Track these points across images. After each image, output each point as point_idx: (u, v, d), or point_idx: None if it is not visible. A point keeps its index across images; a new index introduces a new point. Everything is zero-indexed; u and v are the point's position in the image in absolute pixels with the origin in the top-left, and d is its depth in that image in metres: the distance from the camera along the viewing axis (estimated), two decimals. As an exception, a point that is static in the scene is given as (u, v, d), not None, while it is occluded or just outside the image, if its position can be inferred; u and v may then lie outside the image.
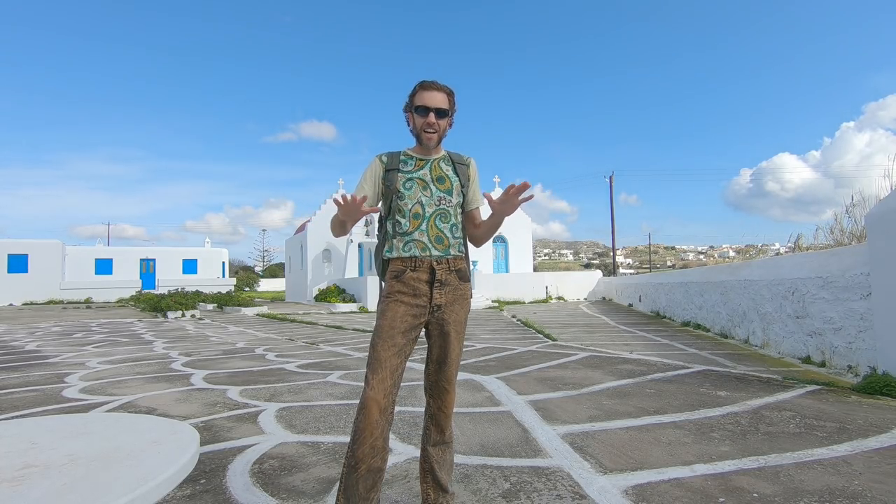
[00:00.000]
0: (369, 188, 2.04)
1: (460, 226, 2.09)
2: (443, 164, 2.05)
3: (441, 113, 1.98)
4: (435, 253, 1.96)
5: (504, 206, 1.89)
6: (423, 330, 2.02)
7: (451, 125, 2.06)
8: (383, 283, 2.03)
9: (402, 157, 2.05)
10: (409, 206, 1.98)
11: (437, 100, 1.97)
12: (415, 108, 1.99)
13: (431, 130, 1.98)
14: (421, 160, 2.04)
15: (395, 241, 2.00)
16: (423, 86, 1.99)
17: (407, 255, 1.96)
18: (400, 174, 2.01)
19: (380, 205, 2.10)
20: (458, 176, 2.05)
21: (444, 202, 2.00)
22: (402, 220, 1.99)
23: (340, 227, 1.97)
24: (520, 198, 1.86)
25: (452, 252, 2.00)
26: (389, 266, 2.00)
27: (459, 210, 2.08)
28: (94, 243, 36.94)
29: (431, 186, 2.00)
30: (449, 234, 2.01)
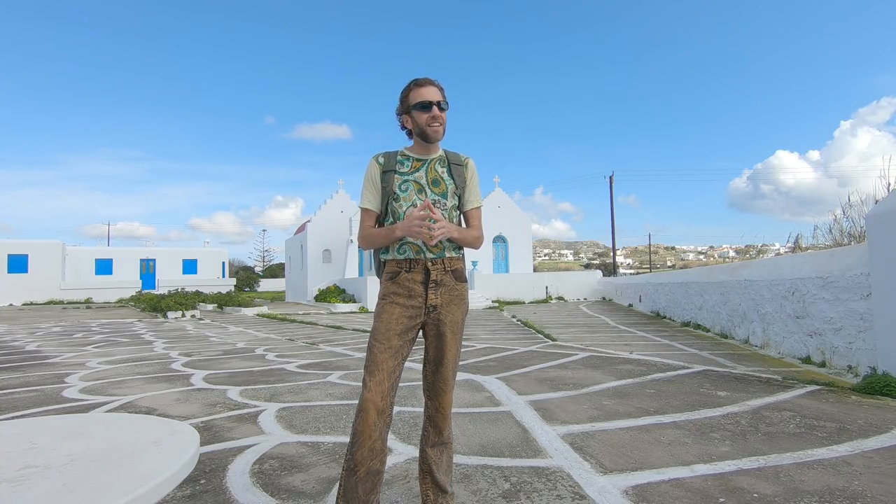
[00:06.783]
0: (374, 193, 2.03)
1: None
2: (438, 166, 2.04)
3: (441, 105, 1.98)
4: (429, 254, 1.96)
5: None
6: (422, 331, 2.02)
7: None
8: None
9: (398, 158, 2.04)
10: (404, 209, 1.97)
11: (435, 94, 1.97)
12: (414, 106, 1.97)
13: (437, 123, 1.97)
14: (418, 161, 2.03)
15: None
16: (419, 83, 1.98)
17: (402, 256, 1.96)
18: (396, 175, 2.00)
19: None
20: (453, 178, 2.04)
21: (438, 205, 1.99)
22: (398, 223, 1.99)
23: (387, 242, 1.97)
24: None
25: (447, 253, 2.00)
26: (386, 267, 2.00)
27: (455, 213, 2.07)
28: (103, 243, 37.00)
29: (427, 189, 1.99)
30: None
